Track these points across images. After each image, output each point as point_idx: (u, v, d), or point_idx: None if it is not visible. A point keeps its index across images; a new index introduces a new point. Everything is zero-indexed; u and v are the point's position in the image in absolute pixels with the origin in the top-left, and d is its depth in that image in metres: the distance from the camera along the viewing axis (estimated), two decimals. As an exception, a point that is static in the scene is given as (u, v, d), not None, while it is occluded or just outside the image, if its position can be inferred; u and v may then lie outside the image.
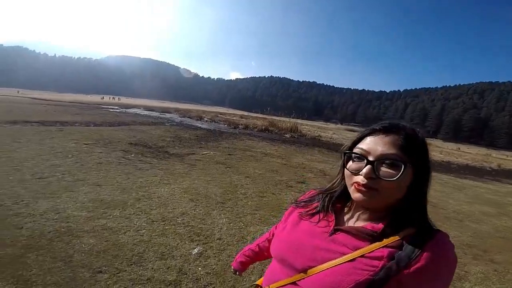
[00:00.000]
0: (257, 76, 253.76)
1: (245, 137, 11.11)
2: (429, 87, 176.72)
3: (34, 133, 6.17)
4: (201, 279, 1.93)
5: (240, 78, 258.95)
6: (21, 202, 2.64)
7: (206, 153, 6.13)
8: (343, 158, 0.65)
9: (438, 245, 0.56)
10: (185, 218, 2.84)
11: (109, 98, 56.53)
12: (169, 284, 1.81)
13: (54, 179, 3.38)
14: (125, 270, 1.87)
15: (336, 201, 0.70)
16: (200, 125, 14.16)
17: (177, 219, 2.78)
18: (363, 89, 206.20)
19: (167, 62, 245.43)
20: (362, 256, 0.58)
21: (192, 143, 7.65)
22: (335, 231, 0.63)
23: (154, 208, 2.95)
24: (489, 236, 3.75)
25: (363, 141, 0.63)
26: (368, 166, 0.58)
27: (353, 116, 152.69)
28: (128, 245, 2.17)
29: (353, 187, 0.61)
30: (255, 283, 0.86)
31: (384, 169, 0.58)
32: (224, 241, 2.50)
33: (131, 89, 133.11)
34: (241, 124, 17.55)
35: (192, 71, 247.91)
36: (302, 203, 0.75)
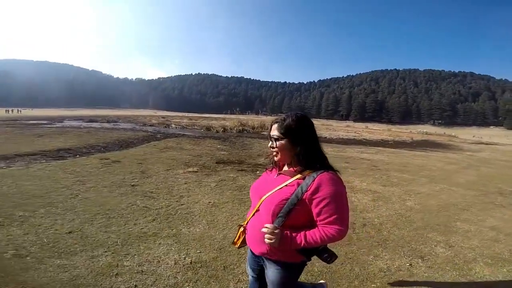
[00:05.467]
0: (182, 74, 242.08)
1: (245, 140, 11.84)
2: (338, 77, 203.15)
3: (105, 173, 4.77)
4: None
5: (164, 77, 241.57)
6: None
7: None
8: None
9: (323, 175, 1.03)
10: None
11: (11, 111, 45.36)
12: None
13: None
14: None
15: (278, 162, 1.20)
16: (192, 134, 14.04)
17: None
18: (285, 82, 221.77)
19: (70, 64, 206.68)
20: (286, 185, 1.08)
21: (241, 152, 8.03)
22: (278, 174, 1.17)
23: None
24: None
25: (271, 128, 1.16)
26: (270, 142, 1.14)
27: (280, 107, 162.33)
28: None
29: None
30: (241, 224, 1.29)
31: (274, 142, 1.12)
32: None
33: (27, 98, 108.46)
34: (217, 127, 17.81)
35: (104, 72, 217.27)
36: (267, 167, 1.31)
